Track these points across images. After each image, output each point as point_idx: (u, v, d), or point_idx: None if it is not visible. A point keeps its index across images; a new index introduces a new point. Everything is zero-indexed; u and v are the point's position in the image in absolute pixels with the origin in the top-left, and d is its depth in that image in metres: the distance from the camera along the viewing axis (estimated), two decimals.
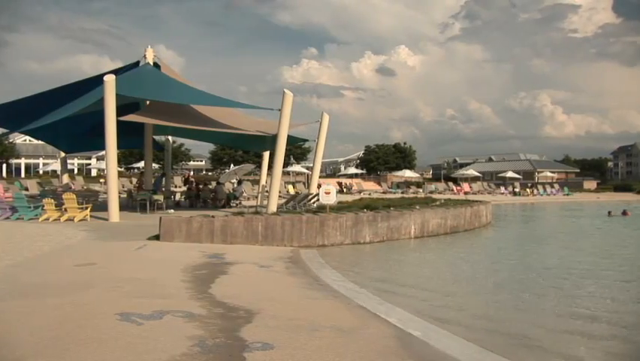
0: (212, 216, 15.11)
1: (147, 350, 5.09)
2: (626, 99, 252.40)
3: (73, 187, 31.69)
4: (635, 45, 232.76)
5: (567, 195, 68.73)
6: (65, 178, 32.72)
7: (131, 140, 27.64)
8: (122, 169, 69.87)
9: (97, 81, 20.88)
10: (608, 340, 7.16)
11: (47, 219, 19.24)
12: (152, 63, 24.98)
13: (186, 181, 39.47)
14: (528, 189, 68.55)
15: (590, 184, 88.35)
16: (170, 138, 33.72)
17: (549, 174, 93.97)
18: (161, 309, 6.66)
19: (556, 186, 75.40)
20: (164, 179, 30.39)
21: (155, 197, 23.91)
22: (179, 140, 72.87)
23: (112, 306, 6.75)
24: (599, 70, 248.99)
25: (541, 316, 8.38)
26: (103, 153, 23.02)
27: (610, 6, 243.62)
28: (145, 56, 25.05)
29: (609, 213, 32.94)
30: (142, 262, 11.25)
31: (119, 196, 21.66)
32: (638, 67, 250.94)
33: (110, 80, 19.32)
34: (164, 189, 27.76)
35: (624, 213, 32.76)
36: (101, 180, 49.25)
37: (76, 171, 78.52)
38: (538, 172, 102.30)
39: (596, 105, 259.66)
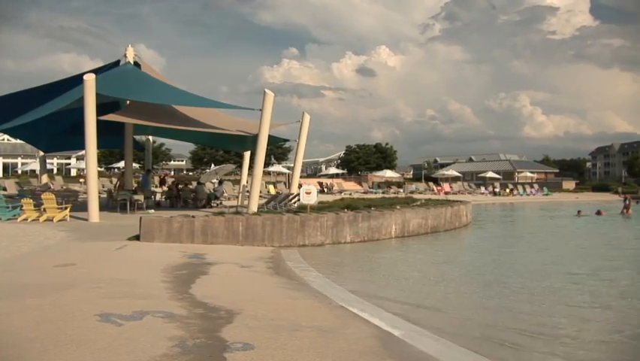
0: (193, 217, 15.07)
1: (127, 351, 5.07)
2: (603, 101, 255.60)
3: (52, 187, 31.55)
4: (610, 47, 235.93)
5: (546, 195, 69.34)
6: (44, 178, 32.41)
7: (112, 139, 27.47)
8: (102, 169, 69.41)
9: (77, 80, 20.73)
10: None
11: (26, 219, 19.04)
12: (132, 62, 24.82)
13: (162, 181, 39.22)
14: (507, 189, 69.12)
15: (569, 184, 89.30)
16: (150, 137, 33.59)
17: (529, 174, 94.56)
18: (141, 310, 6.64)
19: (536, 186, 76.05)
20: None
21: (136, 197, 23.79)
22: (160, 140, 72.40)
23: (91, 307, 6.71)
24: (577, 71, 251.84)
25: (520, 315, 8.46)
26: (83, 152, 22.92)
27: (587, 9, 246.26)
28: (125, 56, 24.88)
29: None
30: (122, 263, 11.19)
31: (99, 196, 21.48)
32: (614, 69, 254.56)
33: (89, 79, 19.18)
34: (145, 188, 27.60)
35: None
36: (81, 180, 48.85)
37: (55, 171, 77.68)
38: (518, 172, 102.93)
39: (574, 106, 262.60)
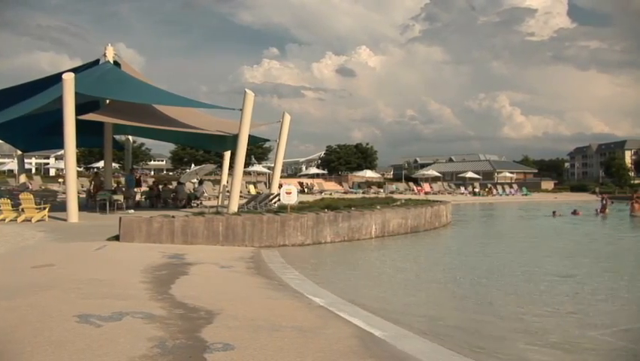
0: (173, 217, 15.00)
1: (106, 353, 5.04)
2: (581, 102, 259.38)
3: (30, 187, 31.26)
4: (587, 49, 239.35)
5: (525, 195, 70.04)
6: (22, 178, 32.17)
7: (91, 139, 27.31)
8: (82, 169, 68.75)
9: (55, 79, 20.56)
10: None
11: (3, 219, 18.82)
12: (112, 62, 24.69)
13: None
14: (487, 190, 69.61)
15: (548, 184, 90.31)
16: (130, 137, 33.38)
17: (508, 174, 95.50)
18: (120, 310, 6.60)
19: (515, 186, 76.77)
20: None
21: (115, 197, 23.63)
22: (140, 139, 72.17)
23: (70, 308, 6.66)
24: (555, 73, 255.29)
25: (495, 314, 8.54)
26: (61, 152, 22.68)
27: (565, 11, 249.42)
28: (105, 55, 24.76)
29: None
30: (101, 263, 11.12)
31: (78, 196, 21.34)
32: (591, 71, 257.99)
33: (68, 78, 19.02)
34: (123, 189, 27.42)
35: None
36: (60, 180, 48.41)
37: (34, 171, 77.17)
38: (498, 172, 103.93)
39: (552, 107, 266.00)
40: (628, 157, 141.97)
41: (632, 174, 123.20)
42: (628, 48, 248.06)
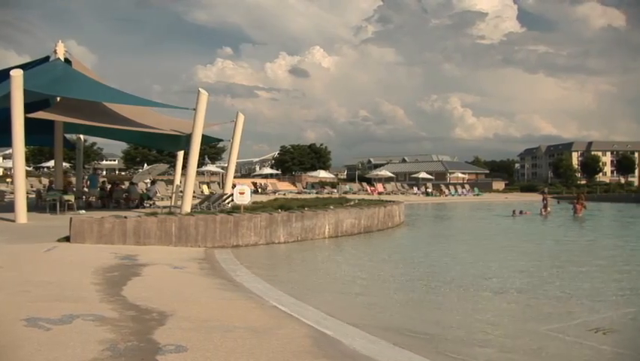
0: (125, 217, 14.82)
1: (55, 357, 4.97)
2: (530, 104, 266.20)
3: None
4: (536, 53, 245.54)
5: (477, 195, 71.30)
6: None
7: (41, 137, 26.76)
8: (31, 168, 67.24)
9: (3, 76, 20.06)
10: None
11: None
12: (63, 59, 24.20)
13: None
14: (439, 190, 70.58)
15: (499, 185, 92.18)
16: (81, 136, 32.77)
17: (460, 174, 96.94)
18: (70, 313, 6.51)
19: (467, 186, 78.06)
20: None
21: (66, 197, 23.20)
22: (92, 138, 70.86)
23: (18, 311, 6.53)
24: (505, 75, 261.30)
25: (445, 312, 8.70)
26: (9, 150, 22.19)
27: (514, 15, 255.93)
28: (55, 52, 24.21)
29: (513, 212, 34.46)
30: (51, 265, 10.92)
31: (27, 196, 20.87)
32: (539, 74, 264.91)
33: (17, 75, 18.58)
34: (74, 189, 26.96)
35: (521, 212, 34.38)
36: (8, 180, 47.28)
37: None
38: (450, 173, 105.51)
39: (503, 109, 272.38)
40: (575, 158, 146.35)
41: (579, 174, 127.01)
42: (573, 53, 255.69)
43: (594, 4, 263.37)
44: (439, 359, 6.10)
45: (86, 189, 29.30)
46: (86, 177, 33.82)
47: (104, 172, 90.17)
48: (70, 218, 14.55)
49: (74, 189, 26.89)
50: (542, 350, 6.76)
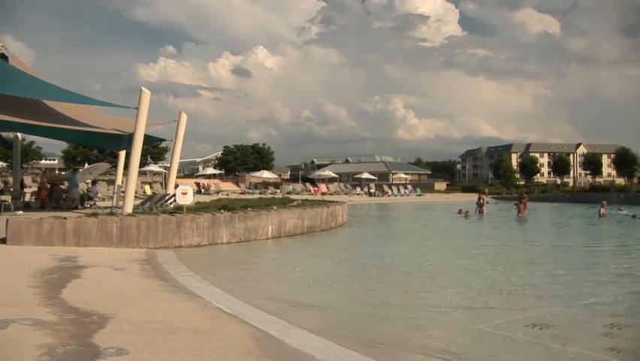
0: (65, 218, 14.49)
1: None
2: (470, 106, 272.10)
3: None
4: (476, 57, 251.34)
5: (419, 195, 72.44)
6: None
7: None
8: None
9: None
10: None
11: None
12: None
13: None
14: (382, 190, 71.38)
15: (441, 185, 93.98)
16: (19, 135, 31.86)
17: (403, 175, 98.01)
18: (6, 318, 6.33)
19: (410, 187, 79.20)
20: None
21: (2, 197, 22.54)
22: (30, 137, 69.06)
23: None
24: (446, 78, 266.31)
25: (390, 310, 8.82)
26: None
27: (456, 19, 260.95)
28: None
29: (459, 211, 35.04)
30: None
31: None
32: (479, 77, 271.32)
33: None
34: (12, 189, 26.21)
35: (460, 212, 34.96)
36: None
37: None
38: (393, 173, 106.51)
39: (444, 111, 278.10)
40: (514, 160, 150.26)
41: (517, 175, 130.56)
42: (512, 57, 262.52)
43: (531, 11, 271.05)
44: (381, 358, 6.18)
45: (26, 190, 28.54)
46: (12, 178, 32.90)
47: (44, 172, 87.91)
48: (7, 219, 14.15)
49: (11, 189, 26.12)
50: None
